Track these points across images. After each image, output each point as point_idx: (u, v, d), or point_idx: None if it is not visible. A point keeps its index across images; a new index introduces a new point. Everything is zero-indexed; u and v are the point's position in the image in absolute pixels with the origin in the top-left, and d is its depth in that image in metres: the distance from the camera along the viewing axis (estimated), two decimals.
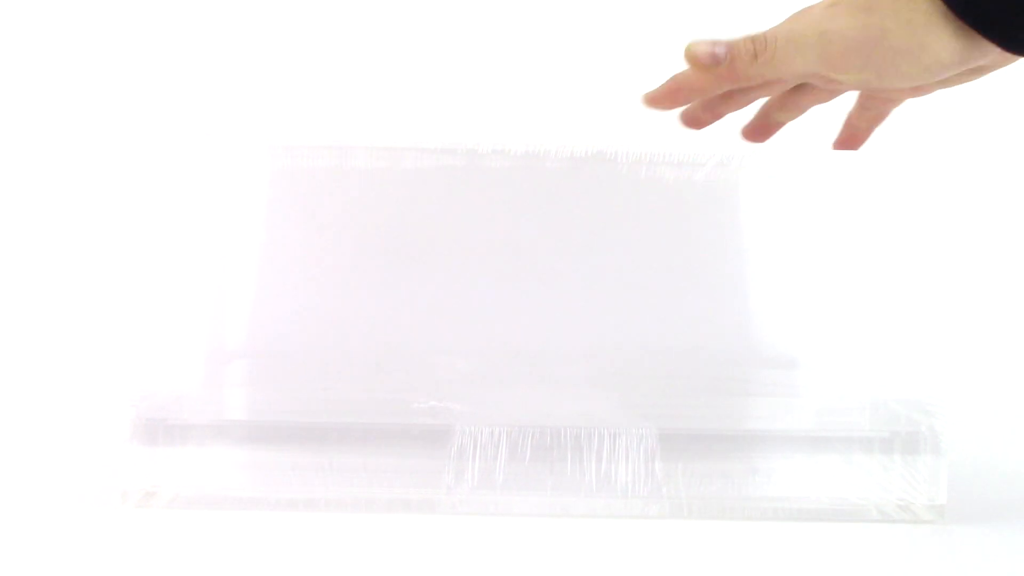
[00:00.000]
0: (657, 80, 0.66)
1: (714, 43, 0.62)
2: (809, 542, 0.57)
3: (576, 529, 0.58)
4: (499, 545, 0.56)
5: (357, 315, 0.66)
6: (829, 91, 0.67)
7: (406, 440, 0.59)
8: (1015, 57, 0.59)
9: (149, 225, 0.62)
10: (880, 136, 0.73)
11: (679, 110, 0.68)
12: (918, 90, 0.65)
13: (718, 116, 0.68)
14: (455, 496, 0.59)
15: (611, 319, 0.65)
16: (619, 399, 0.65)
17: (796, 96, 0.69)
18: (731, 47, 0.61)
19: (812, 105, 0.69)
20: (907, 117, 0.71)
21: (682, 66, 0.64)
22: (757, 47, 0.60)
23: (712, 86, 0.63)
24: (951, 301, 0.60)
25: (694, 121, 0.69)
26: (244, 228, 0.64)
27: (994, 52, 0.57)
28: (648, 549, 0.56)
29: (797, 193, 0.64)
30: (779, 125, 0.71)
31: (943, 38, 0.56)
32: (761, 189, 0.64)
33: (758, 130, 0.71)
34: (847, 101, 0.70)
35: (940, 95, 0.66)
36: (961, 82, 0.63)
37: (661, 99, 0.66)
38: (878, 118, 0.70)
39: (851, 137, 0.71)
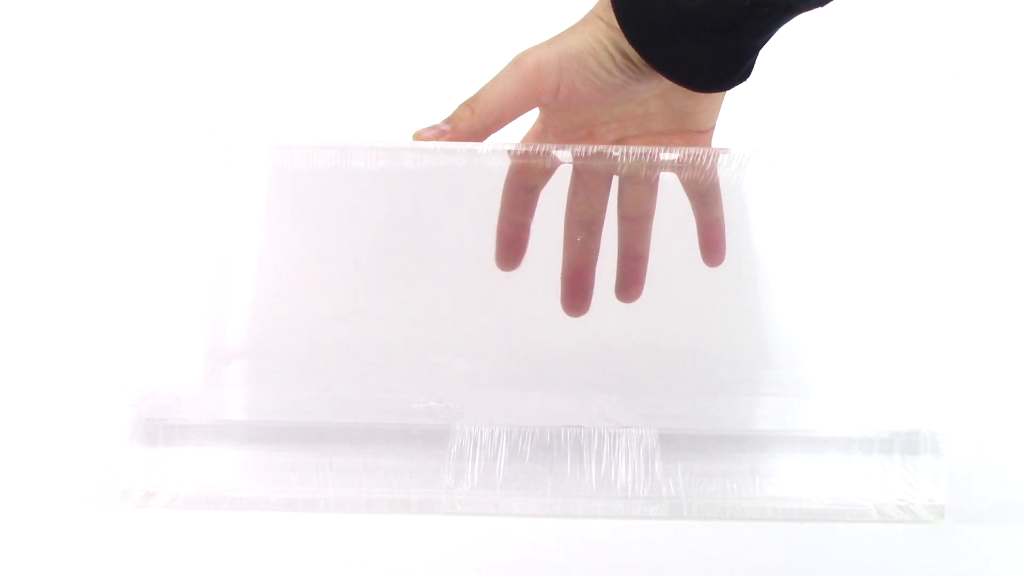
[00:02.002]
0: None
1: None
2: (809, 542, 0.57)
3: (576, 529, 0.58)
4: (499, 545, 0.56)
5: (357, 315, 0.66)
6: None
7: (406, 440, 0.59)
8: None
9: (149, 225, 0.62)
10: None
11: None
12: (688, 133, 0.62)
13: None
14: (455, 496, 0.59)
15: (611, 319, 0.65)
16: (619, 399, 0.65)
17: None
18: (451, 116, 0.61)
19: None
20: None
21: None
22: (470, 102, 0.61)
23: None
24: (952, 301, 0.60)
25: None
26: (244, 228, 0.64)
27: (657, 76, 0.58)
28: (648, 549, 0.56)
29: (799, 193, 0.64)
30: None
31: (610, 46, 0.58)
32: (762, 189, 0.64)
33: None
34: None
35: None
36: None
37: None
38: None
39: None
